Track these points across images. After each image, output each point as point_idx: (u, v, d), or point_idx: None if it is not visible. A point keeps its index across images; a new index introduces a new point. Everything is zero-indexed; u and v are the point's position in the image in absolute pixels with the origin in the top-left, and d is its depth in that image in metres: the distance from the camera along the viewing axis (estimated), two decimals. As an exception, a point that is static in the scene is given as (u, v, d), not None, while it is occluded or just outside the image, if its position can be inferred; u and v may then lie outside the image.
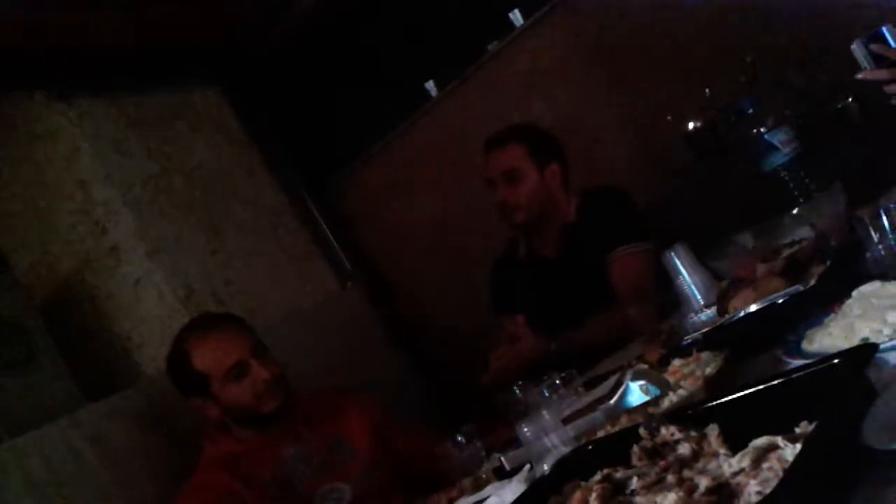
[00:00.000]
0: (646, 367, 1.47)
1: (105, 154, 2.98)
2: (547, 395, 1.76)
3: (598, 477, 1.14)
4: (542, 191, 2.59)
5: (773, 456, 0.93)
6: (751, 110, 2.19)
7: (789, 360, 1.28)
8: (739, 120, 2.21)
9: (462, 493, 1.71)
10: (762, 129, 2.13)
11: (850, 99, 2.22)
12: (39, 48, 2.86)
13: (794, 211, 1.88)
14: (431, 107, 3.41)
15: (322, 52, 3.52)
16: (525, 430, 1.40)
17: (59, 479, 2.24)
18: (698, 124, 2.34)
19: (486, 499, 1.54)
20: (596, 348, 2.35)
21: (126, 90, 3.15)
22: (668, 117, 2.43)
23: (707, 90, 2.42)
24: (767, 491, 0.87)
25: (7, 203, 3.08)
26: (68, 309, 2.97)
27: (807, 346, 1.30)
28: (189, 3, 3.10)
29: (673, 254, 1.90)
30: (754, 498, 0.88)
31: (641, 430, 1.17)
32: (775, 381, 1.07)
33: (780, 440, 0.94)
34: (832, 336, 1.25)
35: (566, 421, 1.46)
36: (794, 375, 1.06)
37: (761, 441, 0.97)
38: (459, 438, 1.77)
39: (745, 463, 0.95)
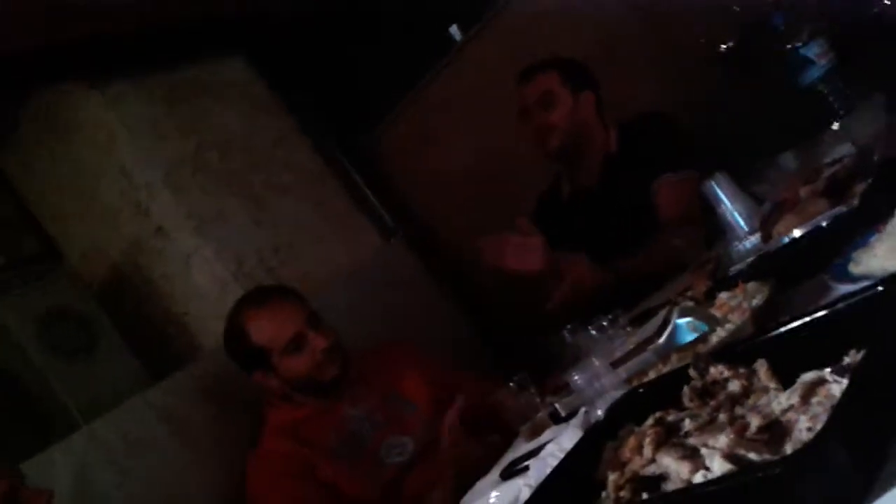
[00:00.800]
0: (692, 303, 1.47)
1: (142, 137, 3.03)
2: (596, 335, 1.76)
3: (650, 421, 1.14)
4: (576, 116, 2.57)
5: (821, 390, 0.93)
6: (782, 24, 2.12)
7: (836, 285, 1.27)
8: (771, 36, 2.14)
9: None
10: (796, 44, 2.07)
11: (887, 1, 2.13)
12: (66, 38, 2.88)
13: (835, 126, 1.83)
14: (457, 52, 3.37)
15: (342, 7, 3.49)
16: (576, 377, 1.41)
17: (137, 455, 2.33)
18: (730, 44, 2.28)
19: (544, 444, 1.56)
20: (650, 278, 2.35)
21: (153, 70, 3.18)
22: (701, 40, 2.36)
23: (736, 7, 2.35)
24: (818, 426, 0.87)
25: (53, 195, 3.16)
26: (123, 292, 3.05)
27: (853, 268, 1.28)
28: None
29: (714, 183, 1.87)
30: (805, 434, 0.88)
31: (690, 371, 1.17)
32: (819, 314, 1.06)
33: (827, 374, 0.94)
34: (878, 257, 1.22)
35: (616, 364, 1.47)
36: (838, 306, 1.04)
37: (809, 376, 0.96)
38: (513, 386, 1.78)
39: (794, 399, 0.94)
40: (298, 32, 3.54)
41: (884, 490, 0.79)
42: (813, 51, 2.07)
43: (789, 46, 2.09)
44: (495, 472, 1.68)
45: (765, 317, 1.33)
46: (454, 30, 3.31)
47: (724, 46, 2.27)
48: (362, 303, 3.07)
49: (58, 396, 2.63)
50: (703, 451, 0.95)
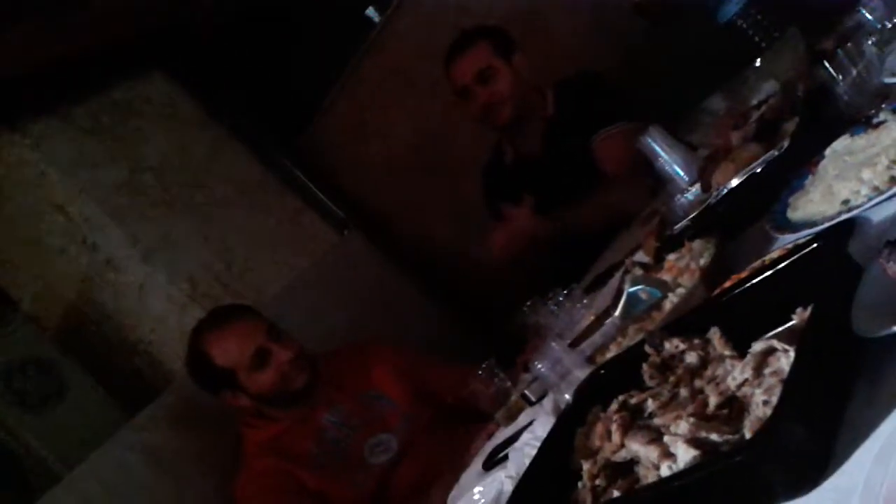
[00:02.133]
0: (642, 270, 1.47)
1: (72, 172, 2.95)
2: (555, 310, 1.76)
3: (615, 406, 1.15)
4: (517, 82, 2.55)
5: (772, 360, 0.94)
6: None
7: (777, 235, 1.27)
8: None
9: (499, 426, 1.75)
10: (709, -18, 2.06)
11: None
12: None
13: (757, 63, 1.82)
14: (378, 33, 3.32)
15: (256, 8, 3.42)
16: (538, 365, 1.41)
17: (122, 499, 2.31)
18: (645, -9, 2.27)
19: (522, 430, 1.57)
20: (595, 230, 2.36)
21: (73, 101, 3.09)
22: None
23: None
24: (773, 399, 0.88)
25: (-5, 244, 3.08)
26: (84, 331, 2.99)
27: (792, 214, 1.29)
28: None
29: (648, 138, 1.86)
30: (761, 409, 0.89)
31: (647, 348, 1.18)
32: (763, 276, 1.07)
33: (776, 343, 0.94)
34: (814, 202, 1.23)
35: (576, 342, 1.47)
36: (780, 266, 1.05)
37: (759, 346, 0.96)
38: (481, 374, 1.78)
39: (748, 372, 0.95)
40: (216, 39, 3.45)
41: (844, 456, 0.80)
42: (727, -13, 2.06)
43: (702, -14, 2.07)
44: (478, 463, 1.69)
45: (713, 275, 1.34)
46: (371, 11, 3.26)
47: (639, -6, 2.25)
48: (325, 301, 3.05)
49: (35, 450, 2.58)
50: (667, 438, 0.95)
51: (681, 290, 1.35)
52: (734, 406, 0.94)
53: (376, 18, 3.28)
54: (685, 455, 0.91)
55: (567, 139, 2.55)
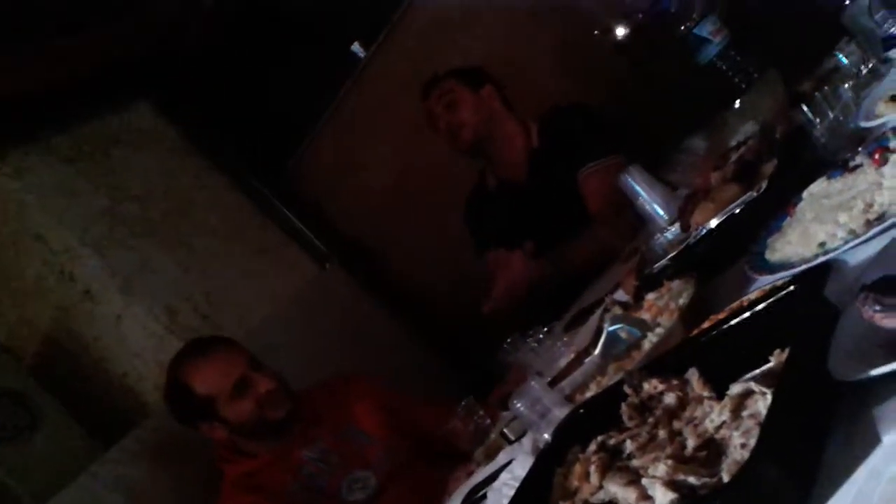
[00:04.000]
0: (621, 310, 1.47)
1: (52, 201, 2.94)
2: (535, 347, 1.77)
3: (593, 447, 1.14)
4: (482, 109, 2.61)
5: (749, 402, 0.94)
6: (672, 6, 2.14)
7: (755, 276, 1.28)
8: (665, 19, 2.16)
9: (478, 465, 1.74)
10: (689, 25, 2.08)
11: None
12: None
13: (736, 105, 1.85)
14: (363, 68, 3.35)
15: (242, 41, 3.43)
16: (517, 404, 1.40)
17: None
18: (626, 32, 2.29)
19: (501, 469, 1.56)
20: (586, 268, 2.37)
21: (56, 130, 3.09)
22: (595, 32, 2.37)
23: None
24: (750, 442, 0.88)
25: (-30, 273, 3.05)
26: (59, 362, 2.95)
27: (770, 256, 1.29)
28: (95, 27, 3.01)
29: (628, 177, 1.87)
30: (739, 452, 0.89)
31: (626, 388, 1.18)
32: (741, 318, 1.07)
33: (753, 385, 0.94)
34: (792, 244, 1.24)
35: (555, 381, 1.47)
36: (757, 308, 1.05)
37: (737, 388, 0.96)
38: (460, 412, 1.77)
39: (726, 415, 0.95)
40: (202, 70, 3.46)
41: (822, 500, 0.80)
42: (706, 29, 2.09)
43: (683, 28, 2.10)
44: (457, 502, 1.68)
45: (692, 315, 1.34)
46: (356, 47, 3.29)
47: (620, 35, 2.27)
48: (305, 334, 3.04)
49: (7, 484, 2.53)
50: (645, 481, 0.95)
51: (660, 330, 1.36)
52: (712, 448, 0.94)
53: (361, 54, 3.31)
54: (663, 498, 0.91)
55: (552, 169, 2.58)
